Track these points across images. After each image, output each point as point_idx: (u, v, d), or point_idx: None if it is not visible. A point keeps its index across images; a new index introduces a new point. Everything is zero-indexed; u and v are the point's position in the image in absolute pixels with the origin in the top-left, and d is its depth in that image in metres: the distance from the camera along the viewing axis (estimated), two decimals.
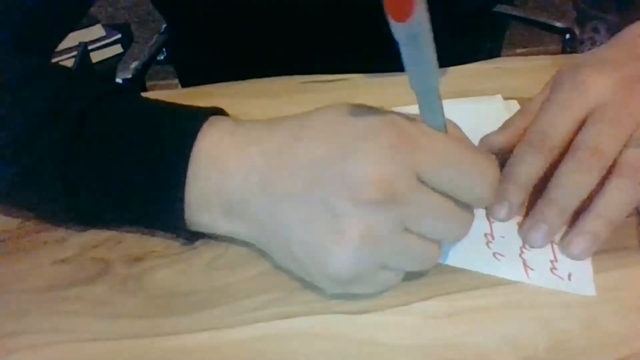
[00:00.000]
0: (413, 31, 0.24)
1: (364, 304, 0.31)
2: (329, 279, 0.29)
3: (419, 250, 0.29)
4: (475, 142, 0.39)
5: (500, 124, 0.40)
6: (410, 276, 0.32)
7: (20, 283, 0.33)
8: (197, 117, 0.32)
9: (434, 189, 0.28)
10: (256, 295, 0.32)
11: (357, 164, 0.27)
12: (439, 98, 0.28)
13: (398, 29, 0.24)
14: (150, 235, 0.35)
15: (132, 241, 0.35)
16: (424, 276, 0.32)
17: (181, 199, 0.31)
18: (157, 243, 0.35)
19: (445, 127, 0.29)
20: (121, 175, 0.32)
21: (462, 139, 0.31)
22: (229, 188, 0.30)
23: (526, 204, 0.36)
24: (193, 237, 0.34)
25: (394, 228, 0.28)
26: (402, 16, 0.23)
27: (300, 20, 0.54)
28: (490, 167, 0.29)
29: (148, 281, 0.33)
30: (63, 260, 0.34)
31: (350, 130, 0.28)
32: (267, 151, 0.30)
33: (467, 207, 0.30)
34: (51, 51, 0.48)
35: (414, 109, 0.29)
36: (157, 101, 0.34)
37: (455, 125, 0.31)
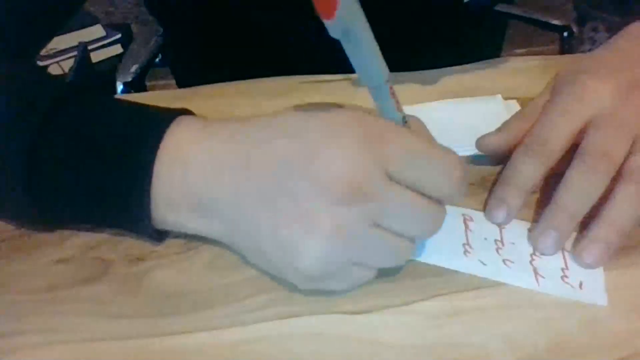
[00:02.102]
0: (345, 27, 0.24)
1: (364, 304, 0.31)
2: (300, 275, 0.29)
3: (390, 246, 0.29)
4: (474, 142, 0.39)
5: (500, 124, 0.39)
6: (410, 276, 0.32)
7: (20, 283, 0.33)
8: (165, 117, 0.32)
9: (403, 185, 0.28)
10: (256, 295, 0.32)
11: (326, 162, 0.27)
12: (392, 93, 0.28)
13: (331, 27, 0.24)
14: None
15: (132, 241, 0.35)
16: (424, 276, 0.32)
17: (148, 198, 0.31)
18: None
19: (404, 122, 0.30)
20: (89, 177, 0.31)
21: (424, 134, 0.31)
22: (195, 186, 0.31)
23: (523, 207, 0.35)
24: (160, 236, 0.34)
25: (364, 224, 0.28)
26: (330, 12, 0.23)
27: (299, 20, 0.54)
28: (456, 162, 0.29)
29: (148, 281, 0.33)
30: (63, 260, 0.34)
31: (317, 129, 0.29)
32: (236, 150, 0.30)
33: (437, 204, 0.29)
34: (32, 55, 0.47)
35: (414, 109, 0.29)
36: (123, 101, 0.34)
37: (419, 121, 0.31)
